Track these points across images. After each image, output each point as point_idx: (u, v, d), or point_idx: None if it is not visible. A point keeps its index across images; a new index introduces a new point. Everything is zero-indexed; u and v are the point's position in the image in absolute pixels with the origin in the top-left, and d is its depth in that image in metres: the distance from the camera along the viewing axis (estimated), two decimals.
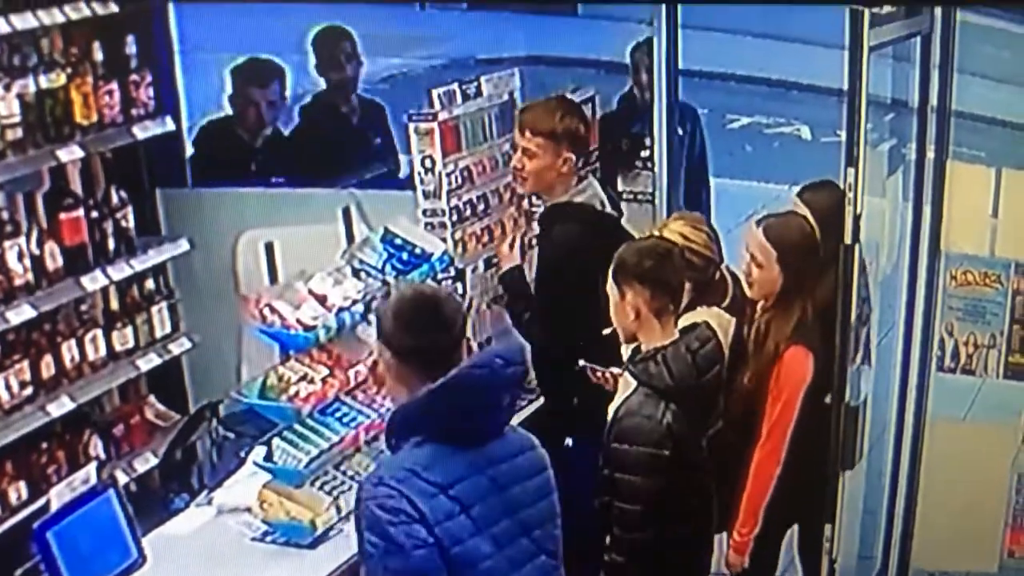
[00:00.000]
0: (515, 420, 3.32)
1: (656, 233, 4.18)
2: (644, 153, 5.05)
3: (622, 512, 3.66)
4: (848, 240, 4.31)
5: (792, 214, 4.32)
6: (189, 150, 5.32)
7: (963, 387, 4.94)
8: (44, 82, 4.30)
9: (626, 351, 3.92)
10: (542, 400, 4.56)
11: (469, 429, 2.96)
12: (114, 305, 4.67)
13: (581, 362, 4.44)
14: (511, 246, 4.58)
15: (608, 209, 4.49)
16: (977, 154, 5.07)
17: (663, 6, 4.62)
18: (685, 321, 4.09)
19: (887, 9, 4.32)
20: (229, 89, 5.42)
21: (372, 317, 3.21)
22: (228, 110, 5.43)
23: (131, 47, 4.58)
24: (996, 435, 4.89)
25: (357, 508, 2.92)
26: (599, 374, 4.23)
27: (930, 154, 4.78)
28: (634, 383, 3.74)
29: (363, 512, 2.88)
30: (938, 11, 4.57)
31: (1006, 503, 4.87)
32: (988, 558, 4.89)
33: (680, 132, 5.10)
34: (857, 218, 4.32)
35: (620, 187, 5.17)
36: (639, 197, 5.08)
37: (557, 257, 4.38)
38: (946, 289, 4.85)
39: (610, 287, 3.77)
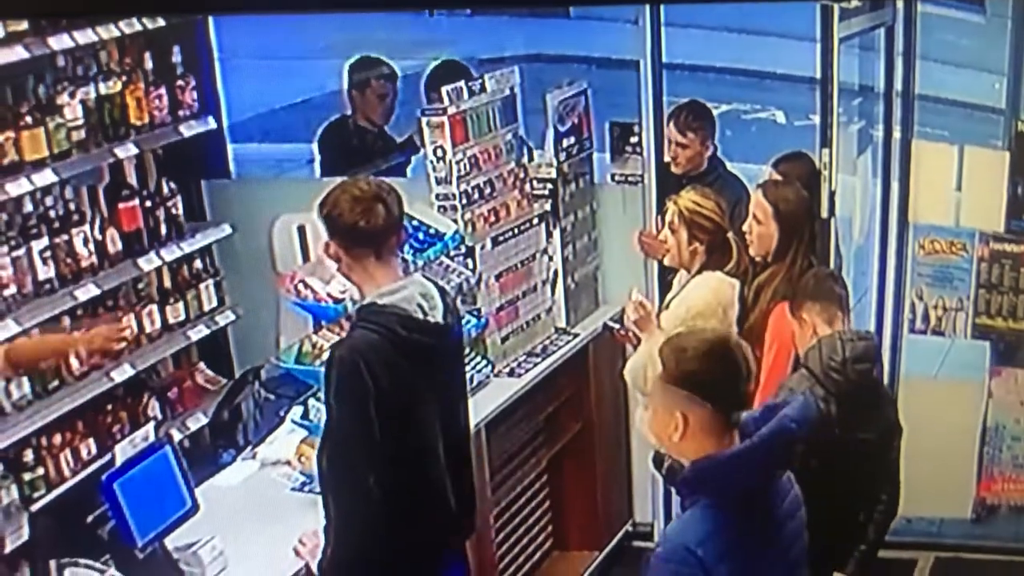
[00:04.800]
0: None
1: (670, 202, 4.22)
2: (633, 139, 5.05)
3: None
4: (824, 214, 4.40)
5: (788, 179, 4.42)
6: (252, 147, 5.29)
7: (933, 347, 5.00)
8: (103, 89, 4.35)
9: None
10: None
11: (764, 492, 2.71)
12: (167, 283, 4.72)
13: (608, 323, 4.40)
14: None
15: (431, 316, 3.31)
16: (941, 133, 5.09)
17: (647, 6, 4.63)
18: (694, 284, 4.18)
19: (854, 3, 4.40)
20: (347, 84, 5.31)
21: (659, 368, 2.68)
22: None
23: (177, 56, 4.63)
24: (965, 391, 4.97)
25: (652, 561, 2.69)
26: (622, 333, 4.24)
27: (897, 134, 4.83)
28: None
29: (660, 566, 2.66)
30: (900, 3, 4.63)
31: (977, 454, 4.93)
32: (962, 504, 4.94)
33: None
34: (832, 194, 4.40)
35: (612, 170, 5.18)
36: (630, 179, 5.10)
37: (340, 379, 3.25)
38: (915, 257, 4.92)
39: (788, 315, 3.72)
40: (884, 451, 3.84)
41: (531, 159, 4.91)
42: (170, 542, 3.48)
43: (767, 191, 4.31)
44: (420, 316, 3.33)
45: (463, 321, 3.72)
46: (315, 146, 5.45)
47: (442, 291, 3.48)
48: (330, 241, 3.35)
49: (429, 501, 3.42)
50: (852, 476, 3.64)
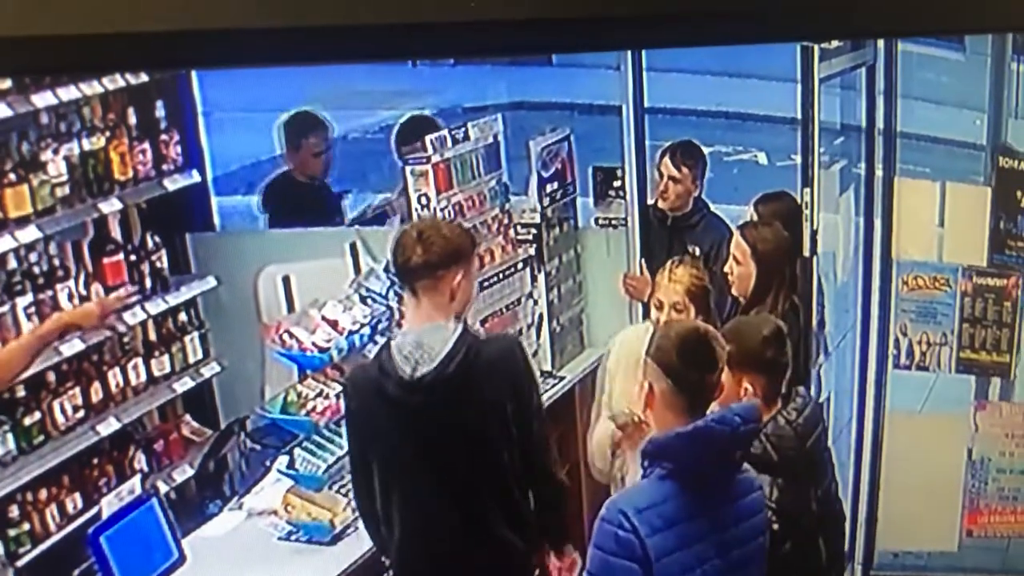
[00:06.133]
0: None
1: (665, 280, 4.14)
2: (616, 184, 5.10)
3: None
4: (806, 253, 4.44)
5: (768, 219, 4.47)
6: (237, 199, 5.32)
7: (918, 382, 4.98)
8: (87, 145, 4.34)
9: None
10: None
11: (701, 476, 2.92)
12: (152, 336, 4.71)
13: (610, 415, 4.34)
14: None
15: (418, 370, 3.37)
16: (922, 170, 5.05)
17: (629, 52, 4.64)
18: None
19: (835, 44, 4.41)
20: (281, 145, 5.33)
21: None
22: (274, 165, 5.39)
23: (160, 111, 4.63)
24: (950, 425, 4.95)
25: (599, 519, 2.90)
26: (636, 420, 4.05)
27: (879, 172, 4.84)
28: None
29: (601, 525, 2.88)
30: (881, 43, 4.64)
31: (962, 487, 4.92)
32: (948, 538, 4.93)
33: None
34: (814, 233, 4.43)
35: (596, 214, 5.22)
36: (613, 223, 5.14)
37: (343, 403, 3.59)
38: (899, 293, 4.91)
39: (726, 375, 3.40)
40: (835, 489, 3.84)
41: (507, 199, 4.95)
42: None
43: (746, 232, 4.37)
44: (403, 367, 3.37)
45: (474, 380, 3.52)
46: (257, 203, 5.48)
47: (460, 342, 3.41)
48: None
49: (425, 530, 3.48)
50: (820, 523, 3.64)
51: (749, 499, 3.03)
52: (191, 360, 4.85)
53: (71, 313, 4.08)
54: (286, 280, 4.57)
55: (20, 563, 3.58)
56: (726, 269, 4.37)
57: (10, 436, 4.19)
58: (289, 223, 5.11)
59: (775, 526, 3.29)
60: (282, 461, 3.99)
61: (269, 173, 5.42)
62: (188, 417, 4.98)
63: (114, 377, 4.54)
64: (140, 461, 4.69)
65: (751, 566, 3.02)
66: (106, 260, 4.53)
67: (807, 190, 4.50)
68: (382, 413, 3.41)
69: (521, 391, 3.54)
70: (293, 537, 3.92)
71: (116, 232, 4.62)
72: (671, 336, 3.03)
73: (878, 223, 4.92)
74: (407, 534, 3.48)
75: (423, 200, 4.50)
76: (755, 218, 4.67)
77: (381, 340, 3.94)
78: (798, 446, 3.48)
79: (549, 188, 5.01)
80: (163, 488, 4.43)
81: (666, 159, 5.03)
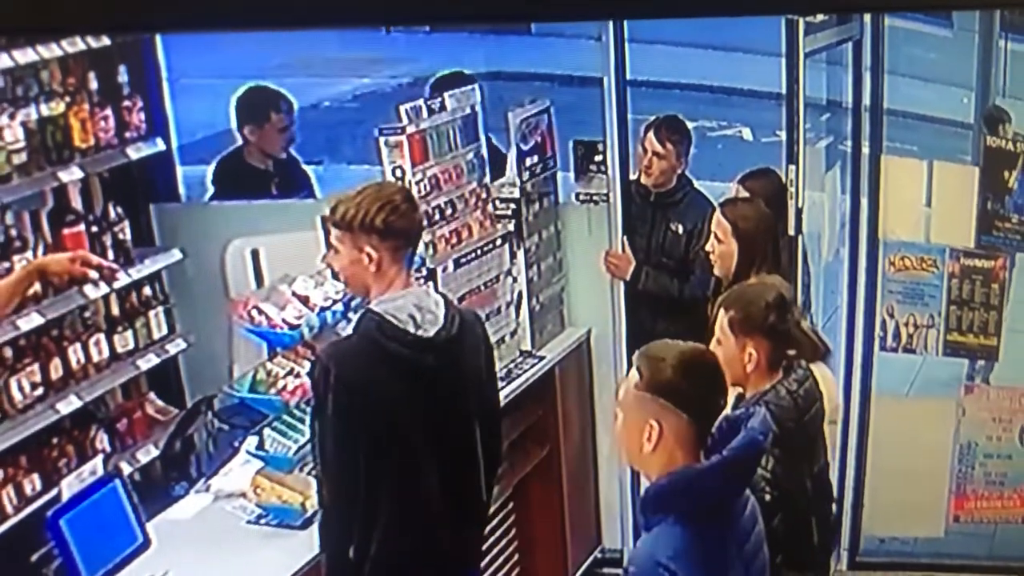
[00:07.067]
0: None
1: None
2: (598, 158, 5.06)
3: None
4: (791, 232, 4.47)
5: (748, 197, 4.47)
6: (203, 169, 5.26)
7: (905, 365, 5.03)
8: (45, 110, 4.31)
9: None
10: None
11: (728, 506, 2.79)
12: (115, 311, 4.68)
13: None
14: None
15: (422, 330, 3.36)
16: (910, 148, 5.09)
17: (611, 22, 4.62)
18: None
19: (820, 17, 4.43)
20: (235, 120, 5.25)
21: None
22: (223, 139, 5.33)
23: (123, 76, 4.59)
24: (938, 409, 5.00)
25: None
26: None
27: (865, 149, 4.86)
28: None
29: None
30: (867, 18, 4.64)
31: (949, 472, 4.96)
32: (935, 524, 4.97)
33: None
34: (799, 211, 4.47)
35: (576, 189, 5.18)
36: (595, 198, 5.11)
37: (313, 382, 3.46)
38: (885, 274, 4.95)
39: (726, 335, 3.42)
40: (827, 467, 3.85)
41: (485, 173, 4.86)
42: None
43: (726, 209, 4.36)
44: (409, 327, 3.37)
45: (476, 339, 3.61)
46: (209, 181, 5.40)
47: (448, 307, 3.48)
48: (371, 248, 3.35)
49: (418, 511, 3.44)
50: (812, 501, 3.63)
51: (750, 510, 2.91)
52: (156, 336, 4.81)
53: (48, 257, 4.00)
54: (255, 254, 4.52)
55: None
56: (707, 248, 4.36)
57: None
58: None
59: (767, 497, 3.27)
60: (251, 442, 3.93)
61: (234, 141, 5.33)
62: (153, 395, 4.95)
63: (75, 353, 4.48)
64: (102, 441, 4.65)
65: (763, 573, 2.94)
66: (66, 231, 4.48)
67: (792, 167, 4.51)
68: (383, 378, 3.38)
69: (491, 363, 3.68)
70: (263, 521, 3.86)
71: (77, 202, 4.58)
72: (677, 367, 2.73)
73: (864, 202, 4.93)
74: (394, 519, 3.43)
75: (397, 172, 4.44)
76: (738, 195, 4.66)
77: (354, 317, 3.88)
78: (797, 418, 3.48)
79: (529, 162, 4.96)
80: (126, 469, 4.37)
81: (650, 134, 5.02)
